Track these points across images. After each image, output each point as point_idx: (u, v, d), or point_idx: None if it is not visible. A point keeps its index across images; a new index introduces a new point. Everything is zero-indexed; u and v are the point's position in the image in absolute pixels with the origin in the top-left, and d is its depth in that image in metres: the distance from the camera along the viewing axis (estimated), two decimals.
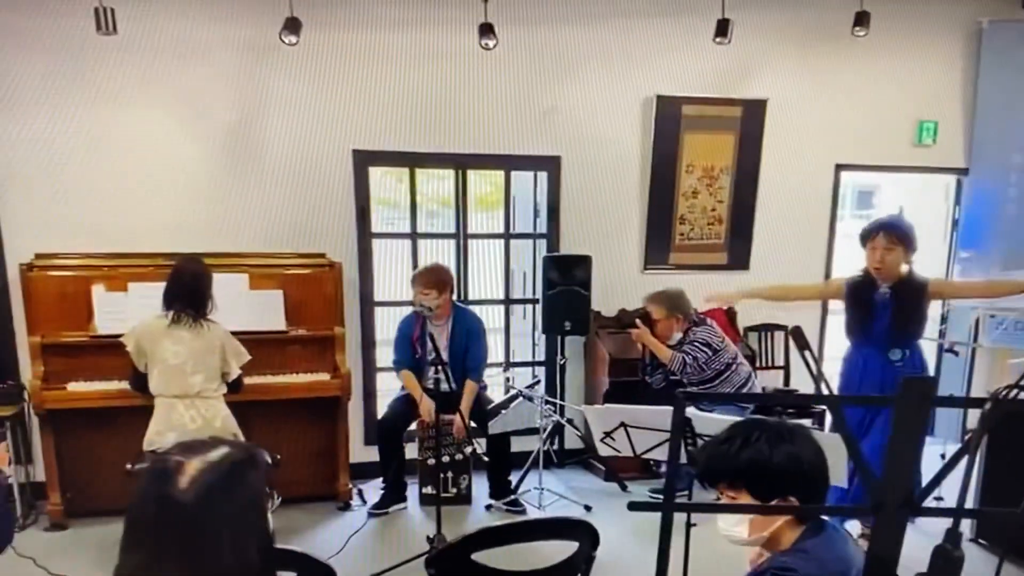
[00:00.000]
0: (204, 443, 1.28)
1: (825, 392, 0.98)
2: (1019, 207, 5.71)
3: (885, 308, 3.78)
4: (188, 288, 3.69)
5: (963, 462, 0.97)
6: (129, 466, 3.61)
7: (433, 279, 4.35)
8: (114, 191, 4.51)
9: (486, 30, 4.46)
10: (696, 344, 4.42)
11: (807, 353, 1.09)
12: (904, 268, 3.78)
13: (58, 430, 4.15)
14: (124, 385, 3.93)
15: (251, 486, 1.26)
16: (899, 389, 0.90)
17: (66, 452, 4.20)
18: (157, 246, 4.45)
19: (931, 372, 3.86)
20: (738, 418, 4.37)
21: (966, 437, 0.99)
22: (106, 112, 4.45)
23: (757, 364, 5.40)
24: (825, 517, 1.79)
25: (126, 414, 3.96)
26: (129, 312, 4.02)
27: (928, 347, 5.72)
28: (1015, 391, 0.90)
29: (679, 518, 2.02)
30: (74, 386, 4.10)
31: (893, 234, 3.73)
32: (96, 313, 4.18)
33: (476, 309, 4.80)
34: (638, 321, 4.50)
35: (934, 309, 5.98)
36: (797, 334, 1.09)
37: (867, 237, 3.80)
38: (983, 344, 5.27)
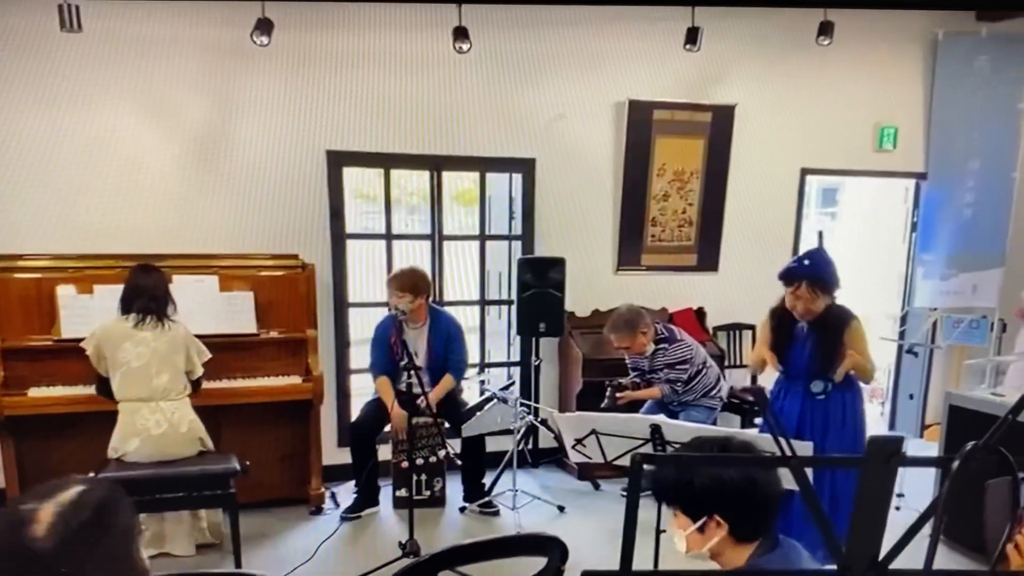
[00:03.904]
0: (56, 485, 1.21)
1: (788, 452, 1.00)
2: (975, 211, 5.86)
3: (806, 340, 3.64)
4: (149, 290, 3.69)
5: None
6: (93, 474, 3.57)
7: (408, 282, 4.30)
8: (80, 191, 4.42)
9: (460, 34, 4.45)
10: (674, 367, 4.55)
11: (768, 415, 1.13)
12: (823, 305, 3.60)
13: (19, 437, 4.04)
14: (89, 390, 3.87)
15: (117, 523, 1.19)
16: (866, 450, 0.94)
17: (28, 460, 4.09)
18: (124, 248, 4.37)
19: (861, 410, 3.73)
20: (706, 424, 4.41)
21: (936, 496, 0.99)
22: (71, 112, 4.35)
23: (725, 363, 5.48)
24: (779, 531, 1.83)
25: (90, 420, 3.90)
26: (95, 315, 3.95)
27: (889, 348, 5.87)
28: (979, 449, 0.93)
29: (648, 520, 2.08)
30: (36, 391, 3.99)
31: (816, 287, 3.54)
32: (62, 316, 4.09)
33: (451, 310, 4.80)
34: (617, 394, 4.52)
35: (893, 305, 6.14)
36: (759, 396, 1.11)
37: (789, 283, 3.59)
38: (940, 345, 5.41)
